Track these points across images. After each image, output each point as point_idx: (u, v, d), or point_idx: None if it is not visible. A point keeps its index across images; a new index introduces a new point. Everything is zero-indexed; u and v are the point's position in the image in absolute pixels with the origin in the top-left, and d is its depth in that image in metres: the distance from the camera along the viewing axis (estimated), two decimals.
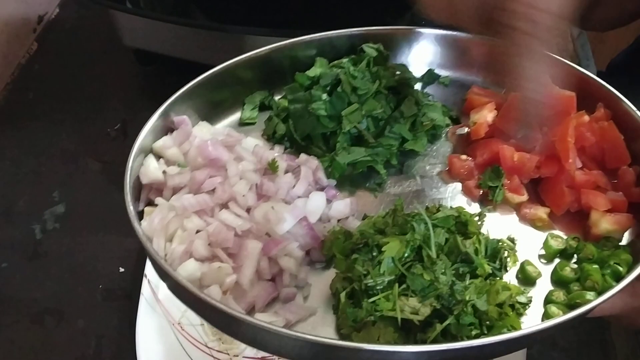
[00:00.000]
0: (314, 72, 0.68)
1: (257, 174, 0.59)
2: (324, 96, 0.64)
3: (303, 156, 0.62)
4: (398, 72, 0.67)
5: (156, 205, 0.57)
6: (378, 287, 0.50)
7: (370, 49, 0.67)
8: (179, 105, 0.62)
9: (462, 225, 0.55)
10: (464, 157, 0.65)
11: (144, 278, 0.75)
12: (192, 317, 0.74)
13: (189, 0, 0.93)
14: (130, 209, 0.54)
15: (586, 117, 0.61)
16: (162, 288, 0.75)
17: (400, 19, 0.88)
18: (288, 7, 0.89)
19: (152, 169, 0.58)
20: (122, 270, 0.82)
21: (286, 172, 0.61)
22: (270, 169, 0.59)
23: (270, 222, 0.55)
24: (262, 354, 0.71)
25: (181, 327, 0.73)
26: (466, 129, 0.67)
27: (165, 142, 0.61)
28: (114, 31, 0.96)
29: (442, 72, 0.71)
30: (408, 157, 0.65)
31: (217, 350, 0.71)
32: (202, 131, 0.62)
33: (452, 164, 0.65)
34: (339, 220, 0.60)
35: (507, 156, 0.62)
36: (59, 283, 0.81)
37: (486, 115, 0.65)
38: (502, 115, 0.64)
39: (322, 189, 0.62)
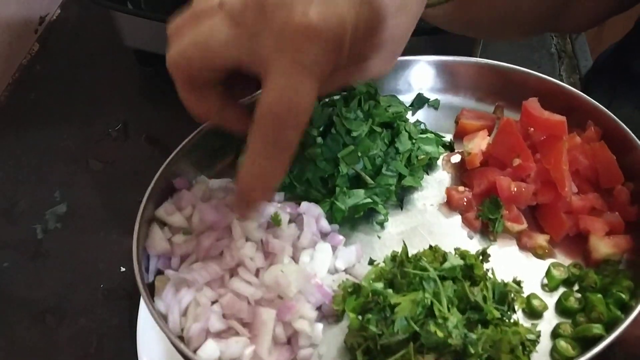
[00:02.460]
0: None
1: (261, 229, 0.58)
2: (319, 139, 0.63)
3: (304, 204, 0.61)
4: (389, 106, 0.67)
5: (164, 274, 0.57)
6: (393, 347, 0.51)
7: (360, 86, 0.66)
8: (176, 165, 0.61)
9: (468, 269, 0.55)
10: (461, 188, 0.65)
11: None
12: None
13: (189, 1, 0.93)
14: (143, 288, 0.54)
15: (578, 139, 0.61)
16: None
17: None
18: None
19: (159, 241, 0.57)
20: (123, 269, 0.82)
21: (289, 222, 0.60)
22: (274, 222, 0.59)
23: (281, 286, 0.54)
24: None
25: None
26: (459, 157, 0.67)
27: (167, 209, 0.59)
28: (115, 32, 0.96)
29: (431, 96, 0.71)
30: (406, 193, 0.65)
31: None
32: (202, 189, 0.61)
33: (451, 196, 0.64)
34: (345, 269, 0.60)
35: (504, 186, 0.61)
36: (61, 282, 0.81)
37: (479, 143, 0.65)
38: (496, 143, 0.64)
39: (325, 235, 0.61)
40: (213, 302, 0.55)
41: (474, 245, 0.61)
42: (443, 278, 0.54)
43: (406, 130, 0.66)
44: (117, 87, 1.06)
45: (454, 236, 0.62)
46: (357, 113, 0.64)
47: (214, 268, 0.55)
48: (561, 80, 1.02)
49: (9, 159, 0.96)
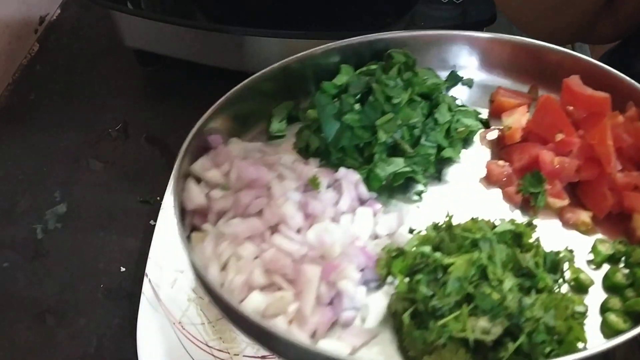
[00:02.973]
0: (341, 79, 0.66)
1: (299, 191, 0.58)
2: (357, 106, 0.63)
3: (342, 170, 0.61)
4: (426, 77, 0.66)
5: (201, 230, 0.55)
6: (445, 308, 0.49)
7: (398, 55, 0.65)
8: (210, 123, 0.60)
9: (517, 237, 0.55)
10: (501, 163, 0.64)
11: (144, 277, 0.75)
12: (192, 317, 0.74)
13: (189, 0, 0.93)
14: (185, 240, 0.52)
15: (621, 118, 0.60)
16: (163, 287, 0.76)
17: (400, 19, 0.89)
18: (288, 7, 0.89)
19: (196, 194, 0.56)
20: (123, 269, 0.82)
21: (327, 187, 0.59)
22: (312, 185, 0.58)
23: (325, 245, 0.53)
24: (262, 352, 0.71)
25: (182, 327, 0.73)
26: (497, 133, 0.66)
27: (203, 164, 0.58)
28: (115, 32, 0.96)
29: (464, 74, 0.70)
30: (445, 165, 0.64)
31: (217, 349, 0.72)
32: (237, 149, 0.60)
33: (491, 170, 0.64)
34: (386, 235, 0.59)
35: (547, 161, 0.61)
36: (61, 282, 0.81)
37: (519, 119, 0.65)
38: (536, 119, 0.63)
39: (363, 202, 0.60)
40: (255, 258, 0.53)
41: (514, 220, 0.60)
42: (497, 243, 0.53)
43: (445, 102, 0.65)
44: (117, 87, 1.06)
45: (494, 210, 0.60)
46: (396, 81, 0.63)
47: (255, 223, 0.54)
48: None
49: (9, 159, 0.96)
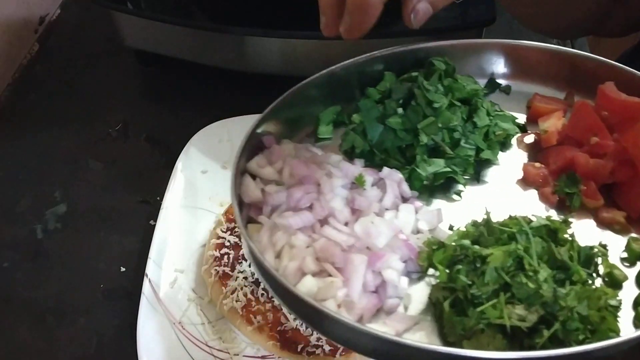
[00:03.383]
0: (384, 86, 0.69)
1: (346, 188, 0.62)
2: (399, 110, 0.67)
3: (386, 170, 0.64)
4: (465, 84, 0.69)
5: (257, 222, 0.60)
6: (483, 296, 0.52)
7: (439, 62, 0.69)
8: (262, 126, 0.64)
9: (552, 233, 0.57)
10: (538, 165, 0.66)
11: (144, 278, 0.75)
12: (192, 317, 0.74)
13: (189, 1, 0.93)
14: (244, 230, 0.57)
15: None
16: (163, 287, 0.76)
17: (400, 19, 0.88)
18: (288, 8, 0.89)
19: (252, 189, 0.61)
20: (123, 269, 0.82)
21: (372, 185, 0.63)
22: (358, 183, 0.62)
23: (371, 236, 0.57)
24: (262, 352, 0.71)
25: (182, 327, 0.73)
26: (533, 137, 0.68)
27: (259, 162, 0.63)
28: (115, 32, 0.97)
29: (502, 81, 0.72)
30: (483, 167, 0.67)
31: (217, 349, 0.72)
32: (289, 148, 0.64)
33: (527, 172, 0.66)
34: (427, 230, 0.62)
35: (582, 163, 0.63)
36: (61, 283, 0.81)
37: (556, 123, 0.67)
38: (571, 123, 0.66)
39: (405, 200, 0.64)
40: (307, 247, 0.57)
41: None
42: (533, 236, 0.55)
43: (484, 107, 0.68)
44: (117, 87, 1.06)
45: (530, 210, 0.62)
46: (437, 87, 0.67)
47: (306, 215, 0.58)
48: None
49: (9, 159, 0.96)
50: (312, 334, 0.69)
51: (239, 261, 0.75)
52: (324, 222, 0.59)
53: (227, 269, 0.74)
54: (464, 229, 0.58)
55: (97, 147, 0.97)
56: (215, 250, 0.76)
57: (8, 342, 0.76)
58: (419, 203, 0.63)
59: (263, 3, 0.91)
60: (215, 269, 0.75)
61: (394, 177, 0.64)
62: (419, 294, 0.57)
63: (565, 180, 0.63)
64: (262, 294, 0.72)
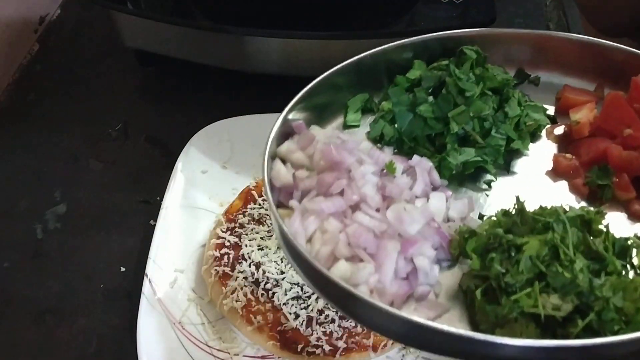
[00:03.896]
0: (413, 74, 0.69)
1: (376, 175, 0.61)
2: (430, 98, 0.66)
3: (416, 157, 0.64)
4: (496, 73, 0.68)
5: (287, 208, 0.60)
6: (517, 285, 0.52)
7: (470, 51, 0.69)
8: (291, 113, 0.64)
9: (586, 223, 0.57)
10: (569, 156, 0.65)
11: (144, 277, 0.75)
12: (192, 317, 0.74)
13: (189, 1, 0.93)
14: (276, 213, 0.57)
15: None
16: (163, 287, 0.76)
17: (400, 18, 0.89)
18: (288, 7, 0.89)
19: (284, 173, 0.61)
20: (123, 269, 0.82)
21: (402, 173, 0.63)
22: (388, 170, 0.62)
23: (404, 222, 0.57)
24: (262, 352, 0.71)
25: (182, 327, 0.73)
26: (563, 128, 0.68)
27: (289, 147, 0.63)
28: (115, 32, 0.97)
29: (532, 72, 0.72)
30: (513, 157, 0.66)
31: (217, 349, 0.72)
32: (319, 135, 0.64)
33: (558, 162, 0.65)
34: (458, 219, 0.62)
35: (615, 155, 0.62)
36: (60, 282, 0.81)
37: (588, 114, 0.66)
38: (604, 115, 0.65)
39: (435, 188, 0.64)
40: (339, 232, 0.57)
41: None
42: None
43: (515, 97, 0.67)
44: (117, 87, 1.06)
45: (561, 201, 0.61)
46: (469, 75, 0.66)
47: (338, 200, 0.58)
48: None
49: (9, 158, 0.96)
50: (312, 334, 0.69)
51: (239, 261, 0.75)
52: (355, 208, 0.59)
53: (227, 269, 0.74)
54: (495, 218, 0.58)
55: (97, 147, 0.97)
56: (215, 250, 0.76)
57: (8, 342, 0.76)
58: (448, 192, 0.63)
59: (263, 3, 0.91)
60: (215, 269, 0.75)
61: (424, 165, 0.63)
62: (450, 281, 0.57)
63: (597, 172, 0.63)
64: (262, 294, 0.72)
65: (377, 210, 0.59)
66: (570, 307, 0.51)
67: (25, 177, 0.93)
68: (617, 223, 0.60)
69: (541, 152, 0.67)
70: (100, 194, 0.90)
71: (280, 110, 0.93)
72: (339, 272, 0.55)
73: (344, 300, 0.53)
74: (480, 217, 0.61)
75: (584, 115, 0.66)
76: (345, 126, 0.69)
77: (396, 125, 0.66)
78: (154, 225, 0.81)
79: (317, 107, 0.67)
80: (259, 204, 0.80)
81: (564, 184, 0.64)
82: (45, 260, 0.84)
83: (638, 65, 0.66)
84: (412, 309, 0.56)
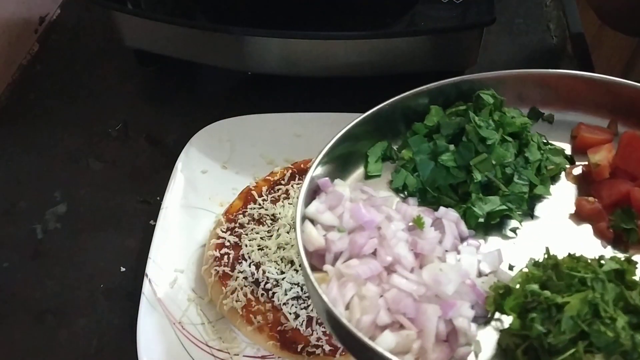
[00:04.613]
0: (431, 120, 0.69)
1: (406, 231, 0.61)
2: (451, 147, 0.66)
3: (442, 209, 0.63)
4: (513, 117, 0.68)
5: (320, 271, 0.59)
6: (560, 345, 0.51)
7: (487, 97, 0.68)
8: (319, 168, 0.64)
9: (619, 274, 0.56)
10: (591, 199, 0.65)
11: (144, 278, 0.75)
12: (192, 317, 0.74)
13: (189, 0, 0.93)
14: (314, 281, 0.55)
15: None
16: (163, 287, 0.76)
17: (400, 18, 0.89)
18: (288, 7, 0.89)
19: (315, 237, 0.59)
20: (123, 269, 0.82)
21: (430, 226, 0.62)
22: (417, 225, 0.61)
23: (441, 284, 0.56)
24: (262, 352, 0.71)
25: (182, 327, 0.73)
26: (582, 168, 0.68)
27: (318, 208, 0.62)
28: (115, 32, 0.96)
29: (545, 110, 0.72)
30: (536, 202, 0.66)
31: (217, 349, 0.72)
32: (345, 191, 0.63)
33: (581, 206, 0.65)
34: (490, 272, 0.61)
35: (638, 197, 0.62)
36: (60, 282, 0.81)
37: (607, 155, 0.66)
38: (622, 155, 0.65)
39: (463, 240, 0.63)
40: (379, 298, 0.56)
41: (608, 255, 0.60)
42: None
43: (535, 141, 0.67)
44: (117, 87, 1.06)
45: (587, 246, 0.62)
46: (488, 122, 0.66)
47: (374, 264, 0.57)
48: None
49: (9, 158, 0.96)
50: (312, 334, 0.69)
51: (239, 261, 0.75)
52: (389, 268, 0.58)
53: (227, 269, 0.74)
54: (527, 270, 0.57)
55: (97, 147, 0.97)
56: (215, 250, 0.76)
57: (8, 342, 0.76)
58: (476, 242, 0.63)
59: (263, 3, 0.91)
60: (215, 269, 0.75)
61: (451, 217, 0.63)
62: (488, 340, 0.57)
63: (621, 215, 0.62)
64: (262, 294, 0.72)
65: (412, 270, 0.58)
66: None
67: (25, 177, 0.93)
68: None
69: (562, 195, 0.67)
70: (100, 194, 0.90)
71: (279, 110, 0.93)
72: (385, 343, 0.54)
73: None
74: (510, 267, 0.61)
75: (603, 157, 0.66)
76: (367, 176, 0.69)
77: (418, 175, 0.66)
78: (154, 225, 0.81)
79: (338, 159, 0.67)
80: (259, 204, 0.80)
81: (588, 228, 0.64)
82: (45, 260, 0.84)
83: None
84: None
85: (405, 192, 0.67)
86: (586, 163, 0.67)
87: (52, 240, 0.86)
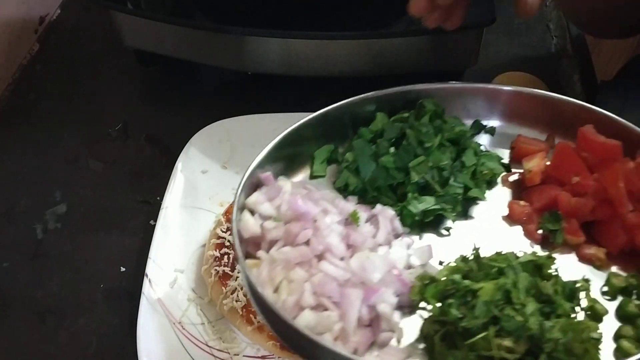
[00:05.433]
0: (376, 126, 0.72)
1: (341, 225, 0.64)
2: (392, 149, 0.70)
3: (379, 207, 0.67)
4: (453, 125, 0.72)
5: (255, 258, 0.62)
6: (473, 330, 0.54)
7: (429, 104, 0.72)
8: (260, 165, 0.67)
9: (537, 268, 0.60)
10: (522, 202, 0.69)
11: (144, 277, 0.75)
12: (192, 317, 0.74)
13: (189, 0, 0.93)
14: (245, 266, 0.59)
15: (631, 163, 0.64)
16: (163, 287, 0.76)
17: (400, 18, 0.89)
18: (288, 7, 0.89)
19: (252, 224, 0.62)
20: (123, 269, 0.82)
21: (365, 221, 0.65)
22: (352, 219, 0.64)
23: (367, 270, 0.59)
24: (262, 352, 0.71)
25: (182, 327, 0.73)
26: (517, 176, 0.72)
27: (257, 198, 0.65)
28: (115, 32, 0.96)
29: (487, 123, 0.76)
30: (471, 204, 0.70)
31: (217, 349, 0.72)
32: (287, 186, 0.66)
33: (512, 209, 0.69)
34: (419, 265, 0.64)
35: (565, 201, 0.66)
36: (60, 283, 0.81)
37: (539, 163, 0.70)
38: (554, 164, 0.69)
39: (397, 236, 0.66)
40: (304, 281, 0.59)
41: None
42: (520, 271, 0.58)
43: (472, 147, 0.71)
44: (117, 87, 1.06)
45: (516, 245, 0.65)
46: (428, 127, 0.70)
47: (304, 250, 0.60)
48: (560, 78, 1.02)
49: (9, 158, 0.96)
50: None
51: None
52: (320, 257, 0.61)
53: (227, 269, 0.74)
54: (454, 264, 0.61)
55: (97, 147, 0.97)
56: (215, 250, 0.76)
57: (8, 342, 0.76)
58: (409, 239, 0.66)
59: (263, 3, 0.91)
60: (215, 269, 0.75)
61: (386, 214, 0.66)
62: (411, 327, 0.60)
63: (548, 218, 0.66)
64: None
65: (342, 259, 0.61)
66: (522, 349, 0.53)
67: (25, 177, 0.94)
68: (568, 266, 0.64)
69: (497, 199, 0.70)
70: (100, 194, 0.90)
71: (279, 110, 0.94)
72: (304, 321, 0.57)
73: (309, 349, 0.55)
74: (440, 263, 0.64)
75: (535, 164, 0.70)
76: (312, 176, 0.72)
77: (360, 175, 0.69)
78: (154, 225, 0.81)
79: (285, 159, 0.70)
80: None
81: (518, 229, 0.68)
82: (45, 260, 0.84)
83: (585, 116, 0.70)
84: (375, 355, 0.58)
85: (347, 192, 0.70)
86: (522, 171, 0.71)
87: (52, 240, 0.86)
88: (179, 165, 0.86)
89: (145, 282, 0.75)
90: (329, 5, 0.89)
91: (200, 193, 0.85)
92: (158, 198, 0.86)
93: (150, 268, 0.76)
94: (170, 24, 0.90)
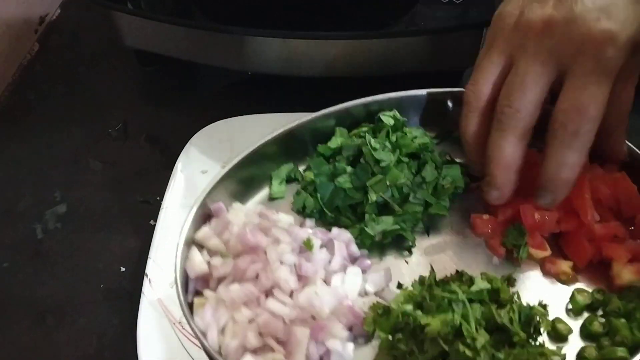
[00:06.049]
0: (335, 142, 0.70)
1: (294, 253, 0.62)
2: (349, 169, 0.67)
3: (335, 230, 0.65)
4: (415, 137, 0.69)
5: (203, 295, 0.61)
6: None
7: (387, 118, 0.70)
8: (214, 191, 0.65)
9: (494, 293, 0.58)
10: (486, 216, 0.67)
11: (145, 278, 0.75)
12: None
13: (189, 0, 0.93)
14: (185, 307, 0.58)
15: (599, 170, 0.63)
16: (163, 287, 0.76)
17: (400, 19, 0.89)
18: (288, 7, 0.89)
19: (198, 263, 0.61)
20: (123, 269, 0.82)
21: (320, 246, 0.63)
22: (306, 247, 0.62)
23: (315, 307, 0.57)
24: None
25: (182, 327, 0.73)
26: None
27: (205, 233, 0.63)
28: (115, 32, 0.96)
29: (455, 129, 0.73)
30: (432, 220, 0.68)
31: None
32: (238, 215, 0.64)
33: (476, 223, 0.67)
34: (375, 292, 0.63)
35: (528, 214, 0.64)
36: (60, 283, 0.81)
37: None
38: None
39: (355, 259, 0.64)
40: (250, 321, 0.57)
41: (498, 270, 0.63)
42: (471, 300, 0.56)
43: (432, 161, 0.69)
44: (117, 87, 1.06)
45: (479, 261, 0.64)
46: (385, 144, 0.67)
47: (250, 289, 0.58)
48: None
49: (9, 159, 0.96)
50: None
51: None
52: (269, 292, 0.59)
53: None
54: (411, 289, 0.59)
55: (97, 147, 0.97)
56: None
57: (8, 342, 0.76)
58: (367, 262, 0.64)
59: (263, 3, 0.91)
60: None
61: (343, 238, 0.64)
62: (366, 358, 0.58)
63: (512, 232, 0.64)
64: None
65: (292, 293, 0.59)
66: None
67: (25, 177, 0.94)
68: (533, 282, 0.62)
69: (461, 212, 0.68)
70: (100, 194, 0.90)
71: (279, 110, 0.93)
72: None
73: None
74: (399, 286, 0.63)
75: None
76: (270, 198, 0.70)
77: (318, 196, 0.67)
78: (154, 225, 0.81)
79: (242, 181, 0.68)
80: None
81: (482, 244, 0.66)
82: (45, 260, 0.84)
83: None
84: None
85: (304, 214, 0.68)
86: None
87: (52, 240, 0.86)
88: (179, 165, 0.86)
89: (145, 282, 0.75)
90: (329, 5, 0.89)
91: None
92: (158, 198, 0.86)
93: (150, 268, 0.76)
94: (170, 24, 0.90)
